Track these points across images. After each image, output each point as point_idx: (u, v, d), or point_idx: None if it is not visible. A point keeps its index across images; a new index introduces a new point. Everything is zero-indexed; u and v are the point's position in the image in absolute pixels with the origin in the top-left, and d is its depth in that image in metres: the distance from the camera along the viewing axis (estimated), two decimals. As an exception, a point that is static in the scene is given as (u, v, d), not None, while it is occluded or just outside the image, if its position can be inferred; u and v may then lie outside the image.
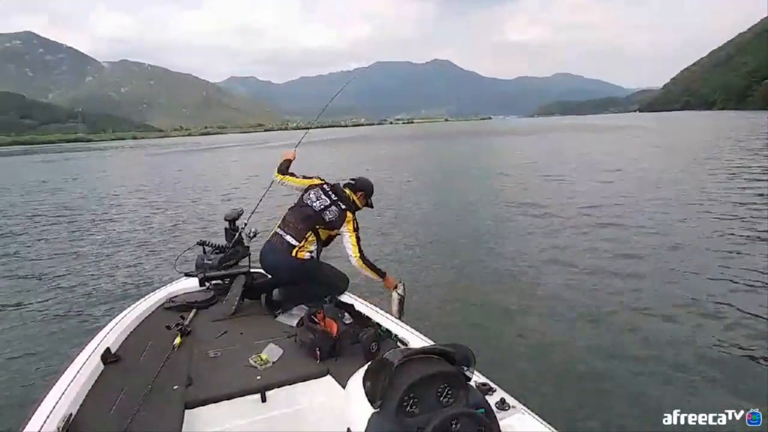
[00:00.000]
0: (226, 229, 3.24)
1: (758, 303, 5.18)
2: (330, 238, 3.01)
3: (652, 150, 21.07)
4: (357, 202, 3.06)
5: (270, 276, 2.96)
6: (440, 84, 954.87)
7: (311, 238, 2.87)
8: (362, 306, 2.58)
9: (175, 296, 2.90)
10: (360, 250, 2.90)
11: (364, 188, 3.12)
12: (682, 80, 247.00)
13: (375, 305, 2.61)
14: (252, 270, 3.02)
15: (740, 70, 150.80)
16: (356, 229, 2.95)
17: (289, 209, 2.99)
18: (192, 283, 3.02)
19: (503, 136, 39.09)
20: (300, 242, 2.83)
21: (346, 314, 2.31)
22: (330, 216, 2.90)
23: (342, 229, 2.92)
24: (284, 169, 3.17)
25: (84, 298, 5.08)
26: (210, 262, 3.05)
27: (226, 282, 3.00)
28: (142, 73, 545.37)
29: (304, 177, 3.13)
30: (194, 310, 2.66)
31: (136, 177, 19.53)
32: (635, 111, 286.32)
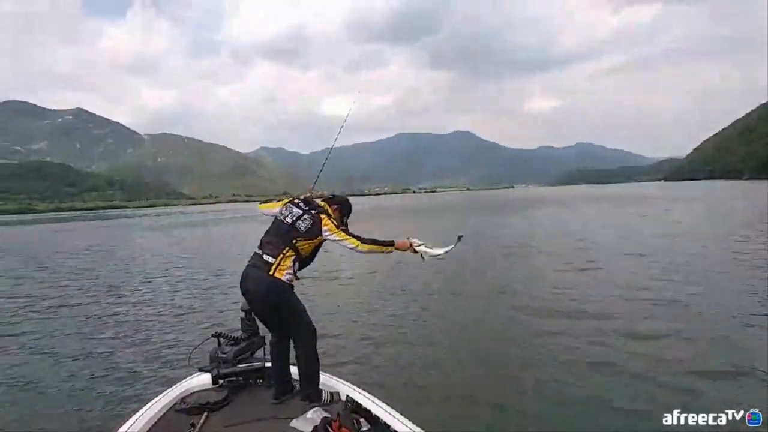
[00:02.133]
0: (242, 319, 3.21)
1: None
2: (314, 250, 2.90)
3: (695, 221, 20.30)
4: (332, 214, 2.94)
5: (247, 300, 2.88)
6: (462, 153, 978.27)
7: (289, 253, 2.77)
8: (380, 410, 2.42)
9: (188, 395, 2.82)
10: (356, 237, 2.78)
11: (340, 203, 3.06)
12: (706, 149, 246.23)
13: (394, 407, 2.45)
14: (266, 365, 2.98)
15: (766, 139, 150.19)
16: (338, 226, 2.84)
17: (265, 231, 2.95)
18: (206, 380, 2.94)
19: (535, 208, 38.35)
20: (277, 258, 2.74)
21: (362, 420, 2.21)
22: (304, 225, 2.81)
23: (324, 233, 2.81)
24: (266, 201, 3.17)
25: (93, 397, 4.63)
26: (225, 355, 3.00)
27: (240, 380, 2.96)
28: (178, 144, 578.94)
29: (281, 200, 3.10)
30: (206, 413, 2.57)
31: (155, 251, 19.09)
32: (660, 180, 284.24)
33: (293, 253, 2.79)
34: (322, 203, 3.00)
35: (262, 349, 3.18)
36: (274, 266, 2.74)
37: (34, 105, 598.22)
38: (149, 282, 11.25)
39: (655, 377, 4.36)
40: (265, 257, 2.78)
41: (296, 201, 2.99)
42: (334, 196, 3.13)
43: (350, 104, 4.02)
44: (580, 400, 4.02)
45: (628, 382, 4.33)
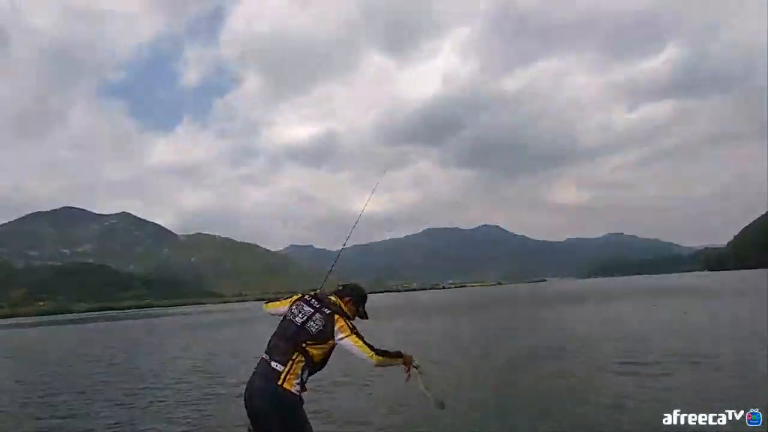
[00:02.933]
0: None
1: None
2: (325, 356, 2.59)
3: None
4: (345, 309, 2.67)
5: (250, 418, 2.51)
6: (490, 248, 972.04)
7: (299, 359, 2.45)
8: None
9: None
10: (370, 347, 2.48)
11: (351, 293, 2.75)
12: (748, 236, 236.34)
13: None
14: None
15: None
16: (354, 329, 2.53)
17: (273, 333, 2.66)
18: None
19: (576, 304, 35.86)
20: (286, 366, 2.42)
21: None
22: (315, 326, 2.49)
23: (337, 337, 2.51)
24: (273, 299, 2.89)
25: None
26: None
27: None
28: (212, 244, 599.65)
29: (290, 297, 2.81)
30: None
31: (173, 358, 17.62)
32: (701, 270, 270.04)
33: (303, 359, 2.46)
34: (335, 298, 2.69)
35: None
36: (283, 375, 2.41)
37: (84, 210, 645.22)
38: (135, 394, 9.79)
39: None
40: (273, 364, 2.45)
41: (306, 297, 2.66)
42: (344, 286, 2.80)
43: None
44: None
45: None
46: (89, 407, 8.40)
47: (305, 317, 2.52)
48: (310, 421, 2.52)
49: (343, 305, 2.67)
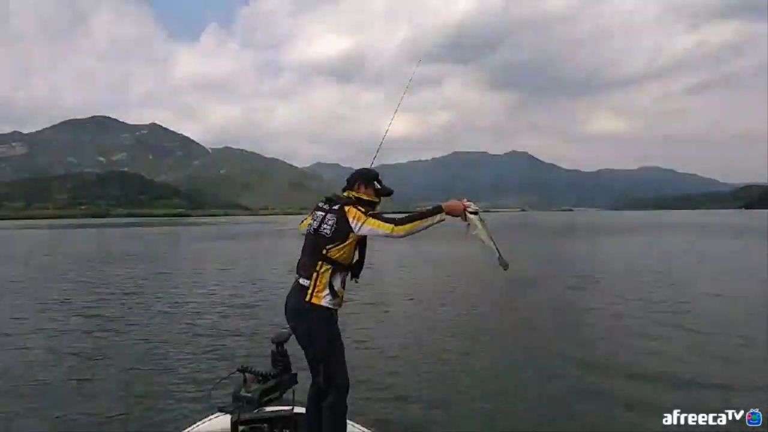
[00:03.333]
0: (272, 352, 2.78)
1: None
2: (352, 255, 2.40)
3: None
4: (362, 197, 2.49)
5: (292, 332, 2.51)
6: (518, 175, 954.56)
7: (324, 269, 2.32)
8: None
9: None
10: (390, 220, 2.27)
11: (358, 177, 2.56)
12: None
13: None
14: (296, 411, 2.65)
15: None
16: (367, 213, 2.33)
17: (301, 250, 2.57)
18: (224, 423, 2.58)
19: (604, 235, 34.61)
20: (311, 279, 2.33)
21: None
22: (329, 227, 2.34)
23: (355, 229, 2.30)
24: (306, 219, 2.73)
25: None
26: (249, 394, 2.56)
27: (265, 427, 2.60)
28: (239, 158, 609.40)
29: None
30: None
31: (201, 261, 18.27)
32: (740, 208, 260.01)
33: (329, 267, 2.33)
34: (347, 193, 2.53)
35: (292, 391, 2.73)
36: (310, 290, 2.33)
37: (117, 120, 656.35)
38: (179, 297, 10.14)
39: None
40: (301, 281, 2.40)
41: (319, 204, 2.52)
42: (347, 179, 2.60)
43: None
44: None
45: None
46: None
47: (318, 222, 2.40)
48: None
49: (358, 195, 2.48)
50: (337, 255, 2.31)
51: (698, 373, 4.54)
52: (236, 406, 2.51)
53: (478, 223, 2.30)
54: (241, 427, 2.47)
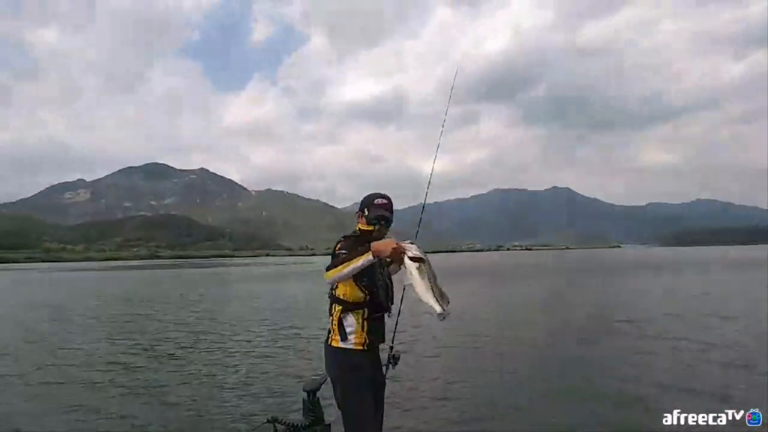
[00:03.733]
0: (304, 401, 2.64)
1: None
2: (357, 290, 2.24)
3: None
4: (361, 228, 2.42)
5: None
6: (559, 211, 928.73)
7: (336, 309, 2.29)
8: None
9: None
10: (329, 266, 2.17)
11: (362, 205, 2.47)
12: None
13: None
14: None
15: None
16: (335, 250, 2.30)
17: None
18: None
19: (638, 275, 32.36)
20: (330, 323, 2.33)
21: None
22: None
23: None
24: None
25: None
26: None
27: None
28: (281, 199, 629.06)
29: None
30: None
31: (240, 301, 18.21)
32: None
33: (339, 307, 2.27)
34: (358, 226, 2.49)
35: None
36: (329, 333, 2.32)
37: (168, 165, 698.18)
38: (211, 338, 9.98)
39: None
40: (328, 325, 2.38)
41: None
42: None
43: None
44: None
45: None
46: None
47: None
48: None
49: (360, 226, 2.42)
50: (341, 293, 2.25)
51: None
52: None
53: (414, 271, 2.05)
54: None
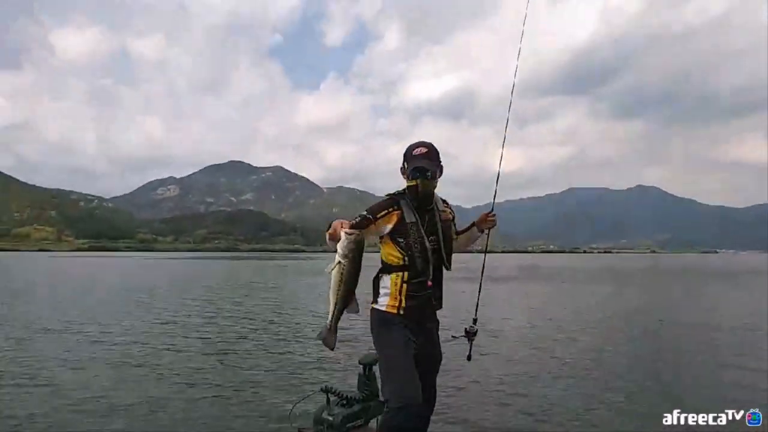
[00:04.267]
0: (359, 375, 2.60)
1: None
2: (390, 248, 2.19)
3: None
4: (408, 186, 2.22)
5: None
6: (645, 211, 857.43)
7: (379, 272, 2.26)
8: None
9: None
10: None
11: (403, 161, 2.27)
12: None
13: None
14: None
15: None
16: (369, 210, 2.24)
17: None
18: None
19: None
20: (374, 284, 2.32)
21: None
22: None
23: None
24: None
25: None
26: (331, 418, 2.36)
27: None
28: (351, 196, 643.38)
29: None
30: None
31: (301, 291, 18.37)
32: None
33: (380, 268, 2.24)
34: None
35: (376, 420, 2.47)
36: (373, 295, 2.26)
37: (247, 164, 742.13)
38: (277, 319, 10.34)
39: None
40: None
41: None
42: None
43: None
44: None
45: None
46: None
47: None
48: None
49: (407, 182, 2.24)
50: (382, 253, 2.22)
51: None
52: (317, 429, 2.34)
53: (333, 263, 1.96)
54: None
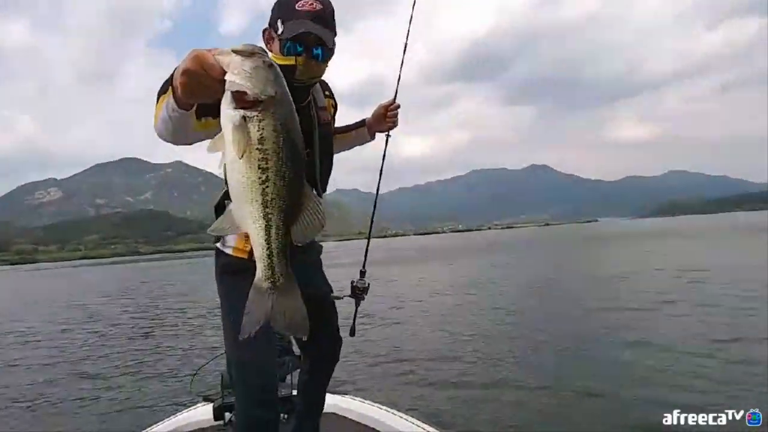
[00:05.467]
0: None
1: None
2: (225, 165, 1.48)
3: None
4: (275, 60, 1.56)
5: None
6: (538, 189, 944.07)
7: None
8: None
9: None
10: None
11: (270, 21, 1.49)
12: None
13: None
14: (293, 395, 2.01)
15: None
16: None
17: None
18: (207, 413, 2.13)
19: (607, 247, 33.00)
20: None
21: None
22: None
23: None
24: None
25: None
26: None
27: None
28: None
29: None
30: None
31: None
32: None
33: (223, 191, 1.51)
34: None
35: (291, 375, 2.22)
36: None
37: (143, 160, 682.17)
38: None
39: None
40: None
41: None
42: None
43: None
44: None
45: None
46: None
47: None
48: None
49: (273, 57, 1.45)
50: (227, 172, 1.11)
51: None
52: (224, 393, 2.07)
53: (229, 128, 0.84)
54: (228, 414, 2.04)
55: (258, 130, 0.82)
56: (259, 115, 0.82)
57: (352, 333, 1.82)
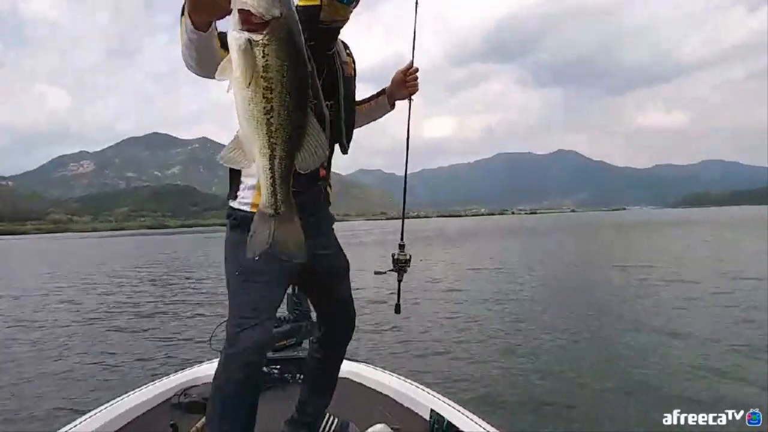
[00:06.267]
0: (288, 295, 2.34)
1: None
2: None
3: None
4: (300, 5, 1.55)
5: None
6: (565, 174, 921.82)
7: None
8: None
9: (193, 386, 2.02)
10: None
11: None
12: None
13: None
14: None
15: None
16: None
17: None
18: None
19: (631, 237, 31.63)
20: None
21: None
22: None
23: None
24: None
25: (78, 380, 4.44)
26: None
27: (275, 371, 2.17)
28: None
29: None
30: None
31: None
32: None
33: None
34: None
35: (309, 341, 2.20)
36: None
37: (171, 136, 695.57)
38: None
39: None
40: None
41: None
42: None
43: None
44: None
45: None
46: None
47: None
48: None
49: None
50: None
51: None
52: None
53: (237, 52, 0.80)
54: None
55: (263, 57, 0.81)
56: (264, 39, 0.80)
57: (398, 310, 1.78)
